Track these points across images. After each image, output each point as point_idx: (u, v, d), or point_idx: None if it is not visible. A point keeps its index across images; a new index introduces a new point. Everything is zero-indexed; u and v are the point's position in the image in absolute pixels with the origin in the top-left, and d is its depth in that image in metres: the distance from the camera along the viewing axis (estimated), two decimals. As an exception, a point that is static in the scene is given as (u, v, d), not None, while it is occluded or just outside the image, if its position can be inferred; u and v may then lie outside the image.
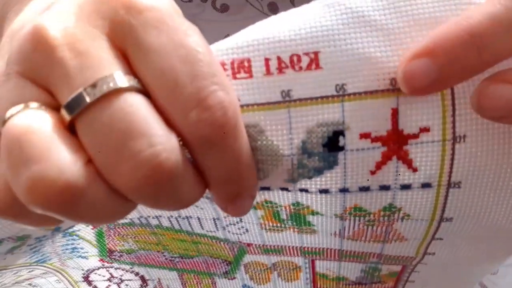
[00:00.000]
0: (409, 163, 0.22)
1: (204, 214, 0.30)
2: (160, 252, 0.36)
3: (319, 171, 0.23)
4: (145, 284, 0.41)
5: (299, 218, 0.28)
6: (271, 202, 0.27)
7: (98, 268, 0.39)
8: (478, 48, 0.19)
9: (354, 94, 0.21)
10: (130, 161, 0.18)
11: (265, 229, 0.30)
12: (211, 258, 0.36)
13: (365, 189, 0.23)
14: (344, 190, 0.24)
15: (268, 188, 0.25)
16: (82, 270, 0.40)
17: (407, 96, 0.21)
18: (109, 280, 0.41)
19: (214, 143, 0.19)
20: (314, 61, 0.21)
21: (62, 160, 0.18)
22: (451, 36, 0.19)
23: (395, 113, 0.22)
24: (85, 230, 0.33)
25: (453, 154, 0.22)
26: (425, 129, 0.22)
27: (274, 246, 0.32)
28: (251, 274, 0.38)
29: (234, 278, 0.39)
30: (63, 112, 0.18)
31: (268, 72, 0.21)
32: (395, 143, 0.22)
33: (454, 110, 0.22)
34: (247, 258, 0.35)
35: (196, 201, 0.21)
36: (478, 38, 0.19)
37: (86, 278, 0.41)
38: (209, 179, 0.21)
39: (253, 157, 0.22)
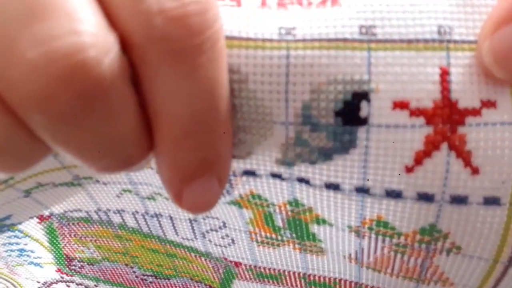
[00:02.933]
0: (466, 158, 0.14)
1: (177, 211, 0.22)
2: (128, 267, 0.28)
3: (326, 155, 0.15)
4: (113, 309, 0.33)
5: (300, 227, 0.20)
6: (259, 197, 0.19)
7: (57, 282, 0.32)
8: None
9: (387, 40, 0.14)
10: (34, 50, 0.11)
11: (256, 241, 0.22)
12: (192, 282, 0.28)
13: (395, 194, 0.15)
14: (363, 191, 0.16)
15: (253, 173, 0.17)
16: (38, 282, 0.32)
17: (464, 51, 0.14)
18: (70, 299, 0.33)
19: (179, 57, 0.12)
20: None
21: None
22: None
23: (445, 75, 0.14)
24: (30, 225, 0.25)
25: None
26: (490, 103, 0.14)
27: (269, 269, 0.24)
28: (243, 308, 0.29)
29: (222, 311, 0.30)
30: None
31: (263, 3, 0.15)
32: (446, 121, 0.14)
33: None
34: (237, 286, 0.27)
35: (140, 158, 0.14)
36: None
37: (43, 294, 0.33)
38: (159, 126, 0.13)
39: (230, 116, 0.14)
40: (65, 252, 0.28)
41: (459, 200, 0.15)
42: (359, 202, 0.16)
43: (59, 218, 0.25)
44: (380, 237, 0.18)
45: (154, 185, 0.21)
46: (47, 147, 0.13)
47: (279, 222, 0.20)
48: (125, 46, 0.12)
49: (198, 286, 0.29)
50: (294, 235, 0.21)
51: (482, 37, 0.14)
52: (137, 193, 0.22)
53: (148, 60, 0.13)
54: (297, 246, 0.21)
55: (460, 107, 0.14)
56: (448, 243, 0.16)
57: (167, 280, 0.29)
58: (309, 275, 0.24)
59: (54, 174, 0.22)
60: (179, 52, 0.12)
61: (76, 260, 0.29)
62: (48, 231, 0.26)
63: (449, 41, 0.14)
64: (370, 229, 0.17)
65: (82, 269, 0.30)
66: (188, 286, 0.29)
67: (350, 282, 0.23)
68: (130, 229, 0.25)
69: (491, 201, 0.15)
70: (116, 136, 0.13)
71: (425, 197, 0.15)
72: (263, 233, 0.21)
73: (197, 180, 0.14)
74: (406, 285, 0.21)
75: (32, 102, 0.11)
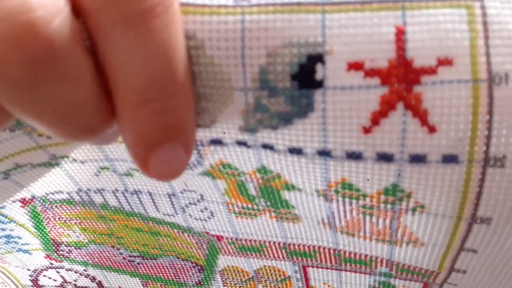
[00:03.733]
0: (423, 117, 0.15)
1: (155, 187, 0.23)
2: (115, 248, 0.28)
3: (286, 119, 0.15)
4: (104, 294, 0.33)
5: (273, 195, 0.20)
6: (230, 166, 0.19)
7: (47, 269, 0.32)
8: None
9: (341, 2, 0.14)
10: None
11: (234, 212, 0.22)
12: (179, 260, 0.29)
13: (355, 156, 0.16)
14: (325, 154, 0.16)
15: (220, 142, 0.17)
16: (28, 270, 0.32)
17: (421, 9, 0.14)
18: (61, 286, 0.33)
19: (131, 21, 0.13)
20: None
21: None
22: None
23: (401, 34, 0.14)
24: (13, 209, 0.26)
25: (491, 103, 0.14)
26: (446, 61, 0.14)
27: (250, 241, 0.25)
28: (231, 286, 0.30)
29: (211, 291, 0.31)
30: None
31: None
32: (401, 81, 0.14)
33: (487, 36, 0.14)
34: (222, 262, 0.28)
35: (102, 126, 0.14)
36: None
37: (35, 282, 0.33)
38: (117, 92, 0.14)
39: (189, 82, 0.14)
40: (51, 236, 0.28)
41: (418, 159, 0.15)
42: (323, 166, 0.16)
43: (41, 201, 0.25)
44: (347, 199, 0.18)
45: (129, 161, 0.21)
46: (9, 114, 0.14)
47: (252, 191, 0.20)
48: (78, 11, 0.13)
49: (185, 264, 0.29)
50: (268, 203, 0.21)
51: None
52: (115, 170, 0.22)
53: (101, 25, 0.13)
54: (273, 214, 0.22)
55: (415, 66, 0.14)
56: (412, 203, 0.17)
57: (154, 260, 0.29)
58: (289, 244, 0.24)
59: (30, 154, 0.22)
60: (131, 16, 0.13)
61: (63, 245, 0.29)
62: (32, 216, 0.27)
63: (404, 0, 0.14)
64: (337, 192, 0.18)
65: (70, 254, 0.30)
66: (175, 265, 0.29)
67: (329, 249, 0.23)
68: (112, 208, 0.25)
69: (449, 159, 0.15)
70: (73, 102, 0.13)
71: (385, 157, 0.15)
72: (239, 203, 0.22)
73: (162, 147, 0.14)
74: (380, 247, 0.21)
75: None
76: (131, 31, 0.13)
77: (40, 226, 0.28)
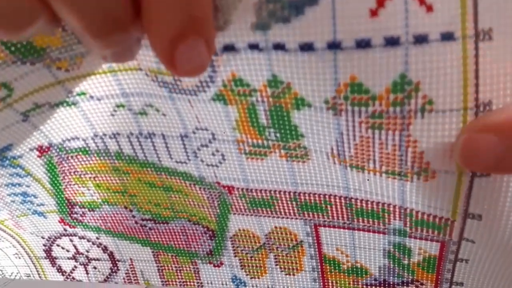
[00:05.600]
0: None
1: (168, 127, 0.23)
2: (128, 210, 0.29)
3: (298, 8, 0.16)
4: (115, 267, 0.33)
5: (282, 121, 0.20)
6: (241, 82, 0.19)
7: (60, 236, 0.32)
8: None
9: None
10: None
11: (245, 152, 0.22)
12: (190, 224, 0.28)
13: (364, 44, 0.16)
14: (335, 46, 0.16)
15: (232, 47, 0.18)
16: (43, 238, 0.32)
17: None
18: (74, 258, 0.33)
19: None
20: None
21: None
22: None
23: None
24: (29, 158, 0.26)
25: None
26: None
27: (261, 192, 0.24)
28: (242, 256, 0.29)
29: (221, 263, 0.30)
30: None
31: None
32: None
33: None
34: (233, 224, 0.27)
35: (128, 23, 0.15)
36: None
37: (48, 253, 0.33)
38: None
39: None
40: (66, 195, 0.29)
41: (421, 39, 0.15)
42: (332, 63, 0.17)
43: (58, 151, 0.26)
44: (356, 108, 0.18)
45: (145, 94, 0.22)
46: (43, 6, 0.15)
47: (262, 118, 0.20)
48: None
49: (196, 230, 0.29)
50: (278, 135, 0.21)
51: (466, 128, 0.17)
52: (130, 108, 0.23)
53: None
54: (282, 152, 0.22)
55: None
56: (420, 98, 0.17)
57: (165, 225, 0.29)
58: (299, 194, 0.24)
59: (49, 91, 0.23)
60: None
61: (77, 206, 0.29)
62: (48, 168, 0.27)
63: None
64: (346, 98, 0.18)
65: (84, 217, 0.30)
66: (187, 230, 0.29)
67: (340, 198, 0.23)
68: (127, 157, 0.25)
69: (447, 36, 0.15)
70: None
71: (392, 41, 0.15)
72: (249, 140, 0.22)
73: (187, 42, 0.15)
74: (391, 187, 0.21)
75: None
76: None
77: (55, 181, 0.28)
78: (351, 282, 0.28)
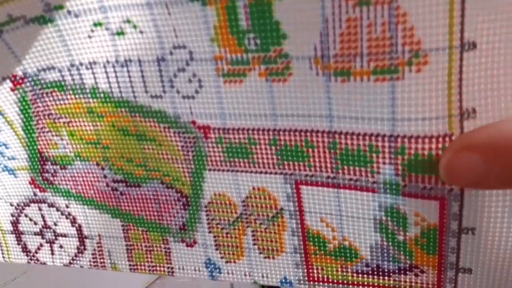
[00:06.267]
0: None
1: (145, 49, 0.21)
2: (100, 168, 0.26)
3: None
4: (82, 245, 0.30)
5: (263, 17, 0.19)
6: None
7: (29, 204, 0.30)
8: None
9: None
10: None
11: (223, 74, 0.21)
12: (163, 187, 0.26)
13: None
14: None
15: None
16: (11, 205, 0.30)
17: None
18: (40, 233, 0.31)
19: None
20: None
21: None
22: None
23: None
24: (3, 94, 0.25)
25: None
26: None
27: (238, 130, 0.22)
28: (217, 232, 0.26)
29: (195, 242, 0.27)
30: None
31: None
32: None
33: None
34: (208, 186, 0.25)
35: None
36: None
37: (15, 225, 0.31)
38: None
39: None
40: (39, 147, 0.27)
41: None
42: None
43: (32, 84, 0.25)
44: None
45: (122, 6, 0.21)
46: None
47: (242, 19, 0.19)
48: None
49: (170, 195, 0.26)
50: (258, 41, 0.19)
51: (450, 147, 0.18)
52: (108, 27, 0.22)
53: None
54: (262, 67, 0.20)
55: None
56: None
57: (137, 188, 0.26)
58: (279, 133, 0.21)
59: (24, 2, 0.22)
60: None
61: (49, 162, 0.27)
62: (22, 108, 0.26)
63: None
64: None
65: (55, 177, 0.28)
66: (159, 197, 0.26)
67: (323, 134, 0.20)
68: (102, 95, 0.24)
69: None
70: None
71: None
72: (228, 55, 0.20)
73: None
74: (379, 94, 0.18)
75: None
76: None
77: (28, 127, 0.26)
78: (339, 269, 0.24)
